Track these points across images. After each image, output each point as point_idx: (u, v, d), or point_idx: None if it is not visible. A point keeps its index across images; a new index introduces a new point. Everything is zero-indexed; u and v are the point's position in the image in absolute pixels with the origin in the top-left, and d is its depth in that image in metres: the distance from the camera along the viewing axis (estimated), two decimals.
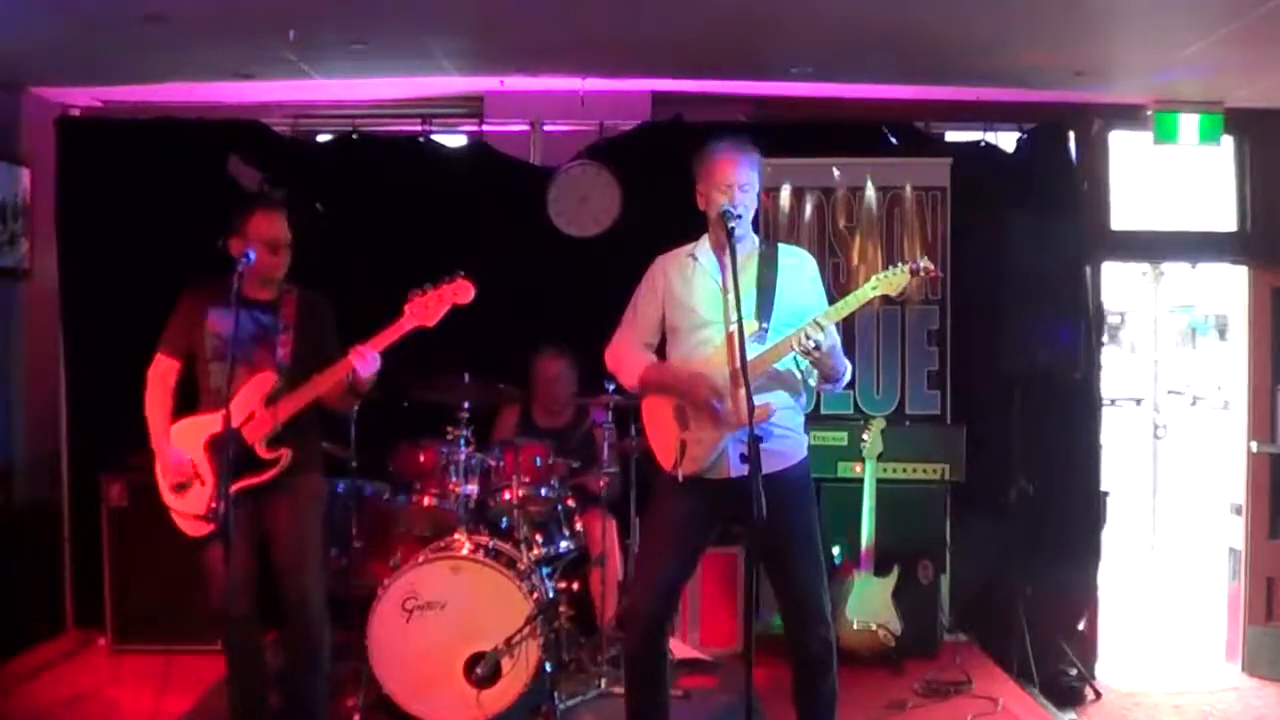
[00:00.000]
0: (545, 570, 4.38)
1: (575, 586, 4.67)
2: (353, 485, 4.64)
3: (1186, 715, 5.32)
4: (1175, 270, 8.21)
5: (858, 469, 5.06)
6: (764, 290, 3.40)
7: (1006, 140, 5.59)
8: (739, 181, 3.37)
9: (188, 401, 3.71)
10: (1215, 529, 6.53)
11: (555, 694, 4.19)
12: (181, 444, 3.63)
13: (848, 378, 3.47)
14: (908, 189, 5.39)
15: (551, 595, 4.30)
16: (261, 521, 3.61)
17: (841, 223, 5.41)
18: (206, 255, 3.67)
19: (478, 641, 4.00)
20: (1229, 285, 6.05)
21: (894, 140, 5.51)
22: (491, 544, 4.22)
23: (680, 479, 3.37)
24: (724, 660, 4.87)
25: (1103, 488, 5.63)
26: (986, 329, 5.27)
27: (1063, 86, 5.28)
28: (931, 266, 3.42)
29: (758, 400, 3.12)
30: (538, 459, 4.47)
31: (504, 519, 4.43)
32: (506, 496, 4.38)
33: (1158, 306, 10.72)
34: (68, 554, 5.37)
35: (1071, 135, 5.56)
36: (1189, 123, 5.42)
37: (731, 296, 3.28)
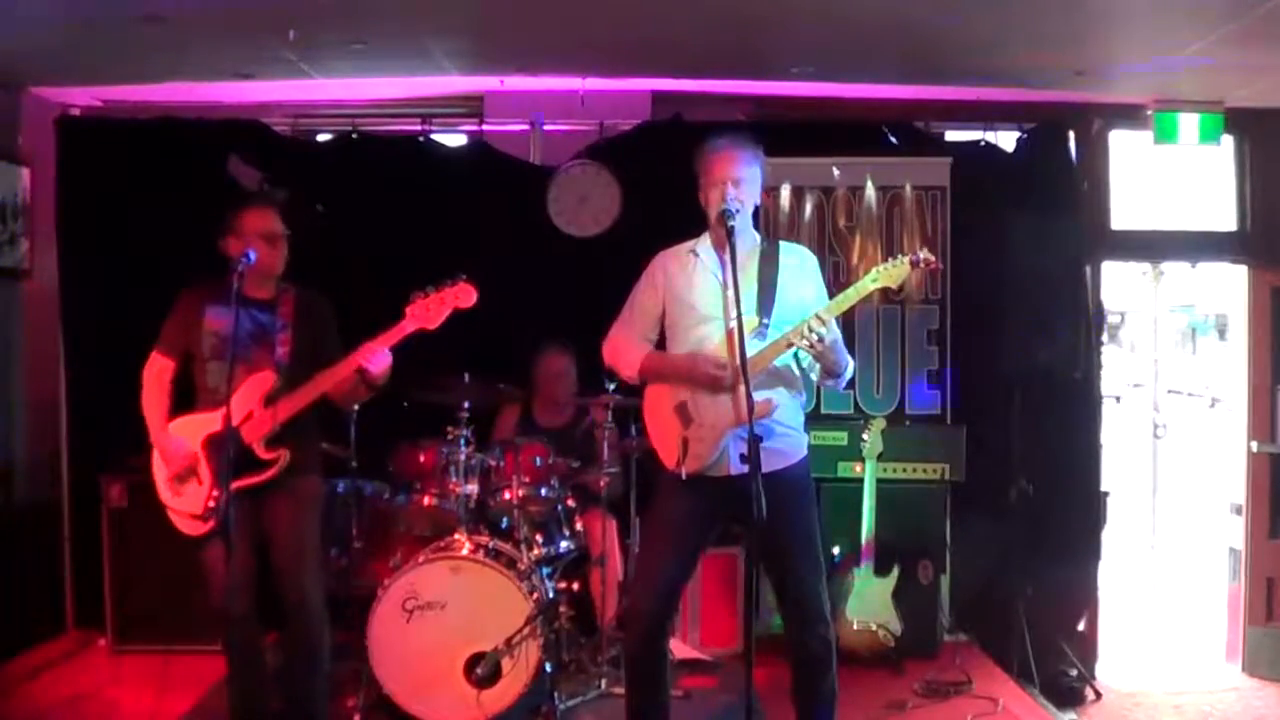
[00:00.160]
0: (545, 570, 4.38)
1: (575, 586, 4.67)
2: (353, 485, 4.64)
3: (1186, 715, 5.32)
4: (1175, 270, 8.21)
5: (858, 469, 5.06)
6: (765, 286, 3.40)
7: (1006, 140, 5.59)
8: (734, 177, 3.38)
9: (184, 401, 3.71)
10: (1215, 529, 6.52)
11: (555, 694, 4.19)
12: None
13: (850, 373, 3.48)
14: (908, 188, 5.39)
15: (551, 595, 4.30)
16: (260, 522, 3.61)
17: (841, 222, 5.41)
18: (206, 255, 3.68)
19: (478, 641, 4.00)
20: (1229, 285, 6.05)
21: (894, 140, 5.51)
22: (491, 544, 4.22)
23: (684, 477, 3.37)
24: (724, 660, 4.87)
25: (1103, 488, 5.63)
26: (986, 329, 5.28)
27: (1063, 86, 5.28)
28: (932, 258, 3.42)
29: (758, 397, 3.13)
30: (538, 459, 4.47)
31: (504, 519, 4.43)
32: (506, 496, 4.38)
33: (1158, 306, 10.73)
34: (68, 554, 5.37)
35: (1071, 135, 5.57)
36: (1189, 123, 5.42)
37: (731, 293, 3.28)
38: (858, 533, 4.95)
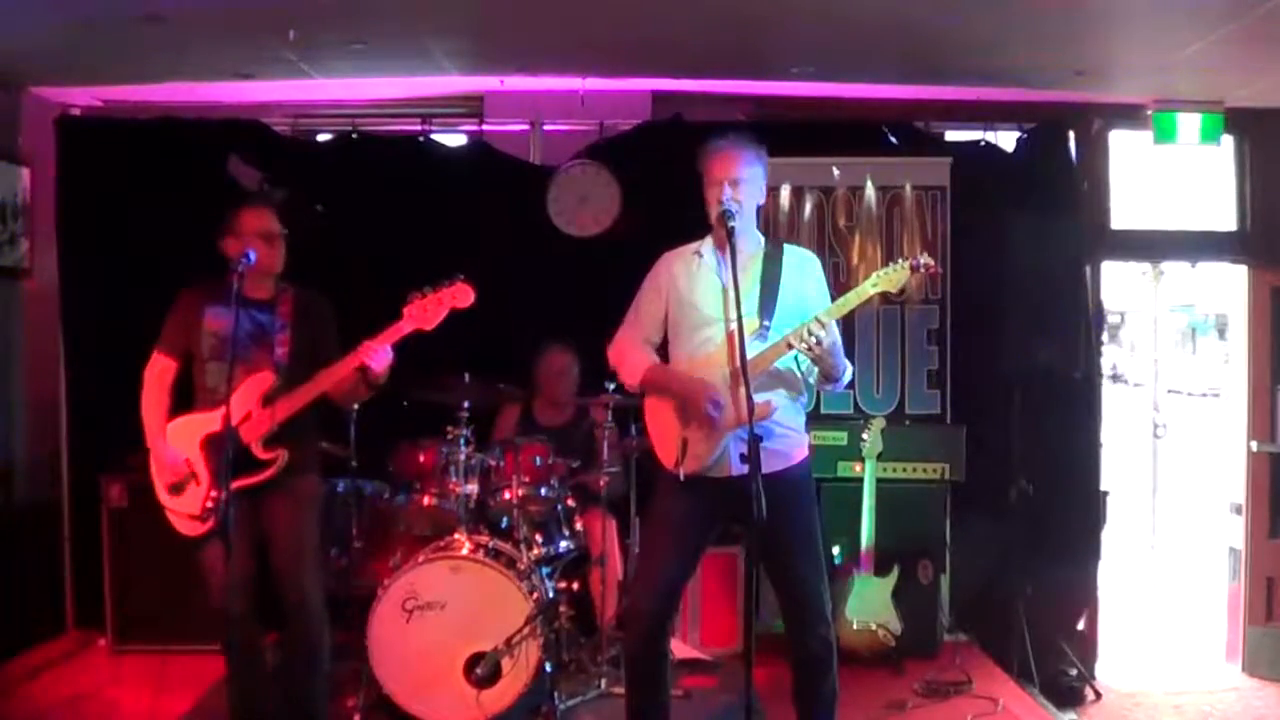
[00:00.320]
0: (545, 570, 4.38)
1: (575, 586, 4.67)
2: (353, 485, 4.65)
3: (1186, 715, 5.32)
4: (1175, 270, 8.21)
5: (858, 468, 5.06)
6: (767, 288, 3.40)
7: (1006, 140, 5.59)
8: (733, 177, 3.37)
9: (184, 401, 3.71)
10: (1215, 529, 6.53)
11: (555, 694, 4.19)
12: (177, 442, 3.63)
13: (848, 377, 3.47)
14: (907, 188, 5.39)
15: (551, 595, 4.30)
16: (259, 522, 3.61)
17: (841, 222, 5.41)
18: (206, 255, 3.68)
19: (478, 641, 4.00)
20: (1229, 285, 6.05)
21: (894, 140, 5.51)
22: (491, 544, 4.22)
23: (682, 477, 3.37)
24: (724, 660, 4.87)
25: (1102, 487, 5.63)
26: (986, 329, 5.28)
27: (1063, 86, 5.28)
28: (932, 262, 3.41)
29: (759, 399, 3.13)
30: (538, 459, 4.47)
31: (504, 519, 4.43)
32: (506, 496, 4.38)
33: (1158, 306, 10.74)
34: (68, 554, 5.37)
35: (1071, 135, 5.57)
36: (1189, 123, 5.42)
37: (732, 294, 3.28)
38: (857, 533, 4.95)
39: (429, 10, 4.31)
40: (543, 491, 4.42)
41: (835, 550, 5.07)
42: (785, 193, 5.38)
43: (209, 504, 3.50)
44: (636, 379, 3.51)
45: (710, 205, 3.41)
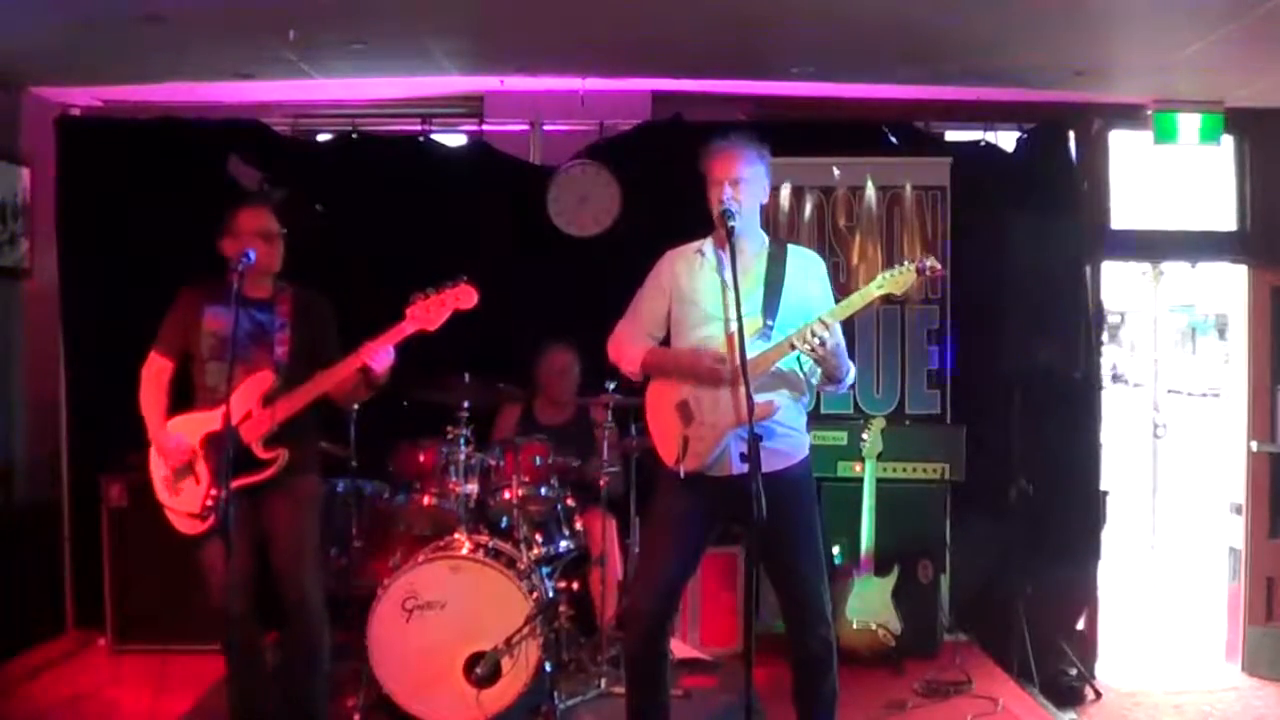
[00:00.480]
0: (545, 570, 4.37)
1: (575, 586, 4.67)
2: (352, 485, 4.65)
3: (1186, 715, 5.32)
4: (1175, 270, 8.22)
5: (858, 468, 5.06)
6: (771, 288, 3.40)
7: (1006, 140, 5.59)
8: (733, 176, 3.37)
9: (182, 401, 3.70)
10: (1215, 529, 6.53)
11: (555, 694, 4.19)
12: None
13: (850, 379, 3.47)
14: (908, 188, 5.39)
15: (551, 595, 4.30)
16: (259, 521, 3.60)
17: (841, 222, 5.41)
18: (206, 255, 3.68)
19: (478, 641, 4.00)
20: (1229, 285, 6.05)
21: (894, 140, 5.51)
22: (491, 544, 4.22)
23: (682, 475, 3.37)
24: (724, 660, 4.87)
25: (1102, 487, 5.63)
26: (986, 329, 5.28)
27: (1063, 86, 5.28)
28: (938, 265, 3.41)
29: (761, 399, 3.12)
30: (537, 458, 4.47)
31: (504, 518, 4.43)
32: (506, 496, 4.38)
33: (1158, 306, 10.74)
34: (68, 554, 5.37)
35: (1071, 135, 5.57)
36: (1189, 122, 5.42)
37: (733, 294, 3.28)
38: (857, 533, 4.95)
39: (429, 10, 4.31)
40: (543, 491, 4.42)
41: (835, 550, 5.07)
42: (785, 193, 5.38)
43: (209, 502, 3.50)
44: (636, 365, 3.52)
45: (712, 205, 3.41)
